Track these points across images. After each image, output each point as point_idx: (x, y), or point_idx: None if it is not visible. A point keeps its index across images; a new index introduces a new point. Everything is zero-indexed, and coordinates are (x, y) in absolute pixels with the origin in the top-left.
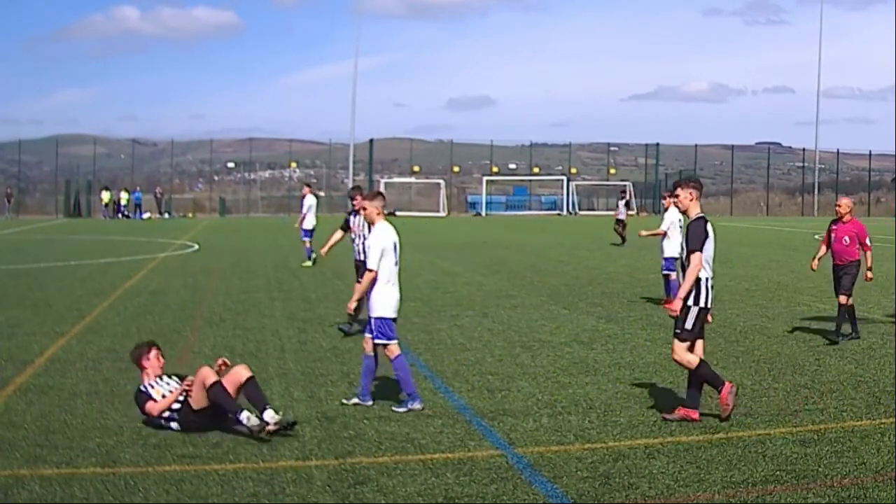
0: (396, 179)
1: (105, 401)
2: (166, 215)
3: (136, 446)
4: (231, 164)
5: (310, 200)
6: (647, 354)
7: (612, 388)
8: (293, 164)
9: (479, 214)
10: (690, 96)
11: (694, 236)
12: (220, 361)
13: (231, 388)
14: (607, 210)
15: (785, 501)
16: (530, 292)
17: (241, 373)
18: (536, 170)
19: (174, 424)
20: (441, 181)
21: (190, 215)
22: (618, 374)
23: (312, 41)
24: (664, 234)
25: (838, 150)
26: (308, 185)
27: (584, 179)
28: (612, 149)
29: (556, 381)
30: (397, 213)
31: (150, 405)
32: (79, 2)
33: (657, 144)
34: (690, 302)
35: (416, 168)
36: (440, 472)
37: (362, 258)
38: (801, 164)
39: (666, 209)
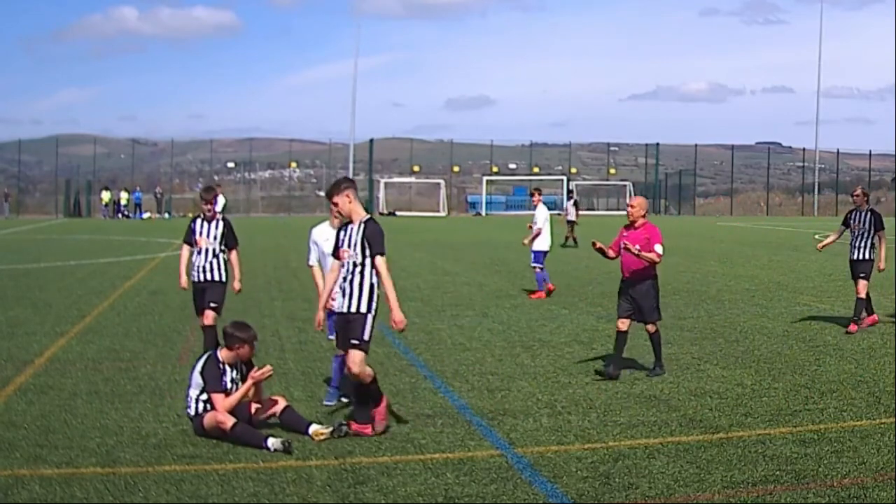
0: (396, 179)
1: (105, 401)
2: (166, 215)
3: (136, 446)
4: (231, 164)
5: (220, 200)
6: (647, 354)
7: (612, 388)
8: (293, 164)
9: (479, 214)
10: (689, 96)
11: (379, 238)
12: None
13: (262, 416)
14: (607, 210)
15: (785, 501)
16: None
17: (276, 403)
18: (536, 170)
19: (190, 413)
20: (441, 181)
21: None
22: None
23: (312, 41)
24: (540, 230)
25: (838, 149)
26: (218, 186)
27: (585, 179)
28: (612, 149)
29: (556, 381)
30: (397, 213)
31: (218, 398)
32: (77, 2)
33: (657, 144)
34: (364, 309)
35: (416, 168)
36: (440, 471)
37: (211, 278)
38: (801, 164)
39: (535, 206)
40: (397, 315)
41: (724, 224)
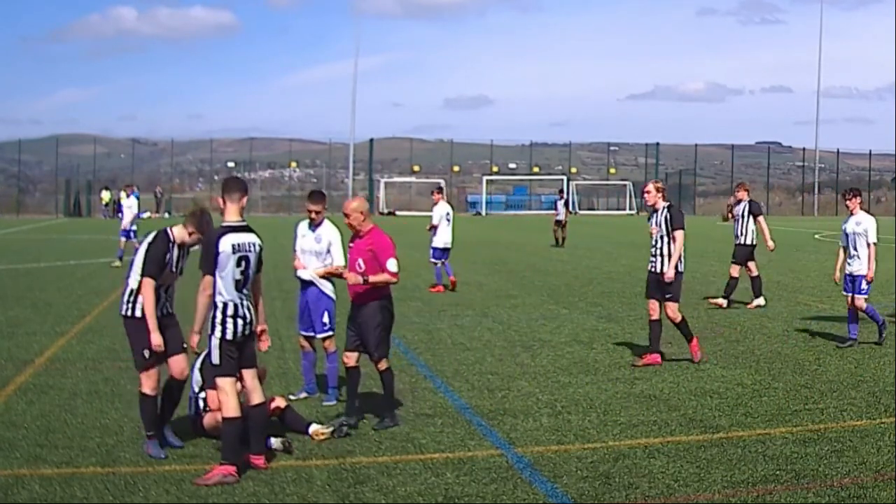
0: (396, 179)
1: (105, 400)
2: (166, 214)
3: (136, 446)
4: (231, 164)
5: (130, 202)
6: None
7: (612, 388)
8: (293, 164)
9: (479, 214)
10: (688, 96)
11: (203, 253)
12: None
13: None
14: (607, 210)
15: (785, 501)
16: (530, 292)
17: (276, 403)
18: (536, 169)
19: (190, 413)
20: (441, 181)
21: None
22: (618, 374)
23: (311, 41)
24: (434, 227)
25: (838, 149)
26: (129, 186)
27: (585, 179)
28: (612, 148)
29: (556, 381)
30: (397, 212)
31: (213, 394)
32: (75, 2)
33: (657, 144)
34: (207, 331)
35: (416, 168)
36: (440, 471)
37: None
38: (801, 164)
39: (435, 204)
40: (190, 341)
41: (724, 224)
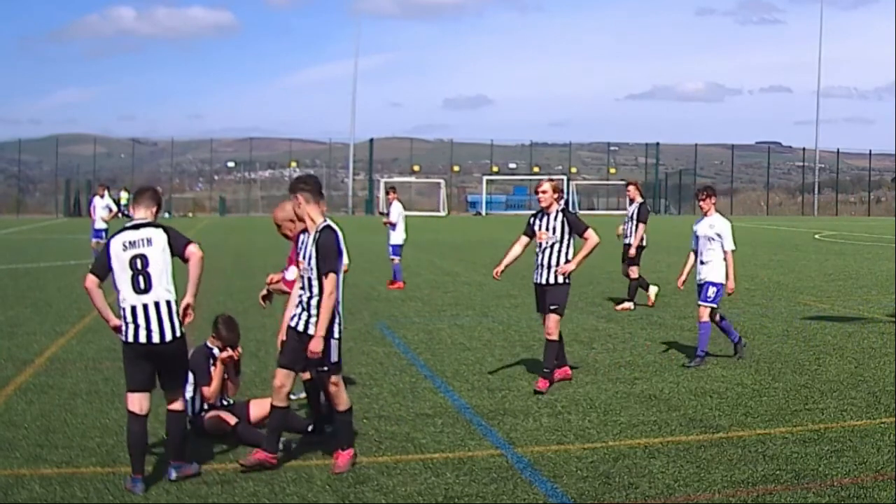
0: (396, 179)
1: (105, 400)
2: (166, 214)
3: None
4: (231, 164)
5: (102, 202)
6: (647, 354)
7: (612, 388)
8: (293, 164)
9: (480, 214)
10: (687, 96)
11: (329, 253)
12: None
13: (261, 415)
14: (608, 209)
15: (785, 501)
16: (530, 292)
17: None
18: (536, 169)
19: (189, 413)
20: (441, 181)
21: (190, 214)
22: (618, 374)
23: (311, 41)
24: (393, 224)
25: (838, 149)
26: (101, 185)
27: (585, 179)
28: (612, 148)
29: (556, 381)
30: None
31: (204, 390)
32: (74, 2)
33: (657, 144)
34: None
35: (416, 167)
36: (440, 471)
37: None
38: (801, 164)
39: (390, 203)
40: (315, 345)
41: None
